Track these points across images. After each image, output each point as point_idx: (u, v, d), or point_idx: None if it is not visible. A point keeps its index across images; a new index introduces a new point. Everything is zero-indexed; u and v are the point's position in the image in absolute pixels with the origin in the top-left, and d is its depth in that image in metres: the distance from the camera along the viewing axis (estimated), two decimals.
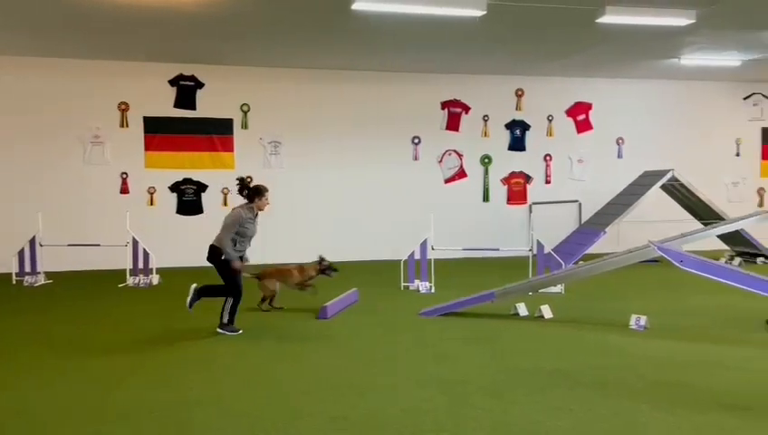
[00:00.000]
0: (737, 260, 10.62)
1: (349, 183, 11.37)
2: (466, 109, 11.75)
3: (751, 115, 12.76)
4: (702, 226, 9.88)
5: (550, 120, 12.05)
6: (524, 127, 11.97)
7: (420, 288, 8.25)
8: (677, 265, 3.38)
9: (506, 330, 6.23)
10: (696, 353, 5.37)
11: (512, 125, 11.94)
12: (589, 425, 3.81)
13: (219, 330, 5.99)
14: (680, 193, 10.86)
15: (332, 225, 11.28)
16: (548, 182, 12.11)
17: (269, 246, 11.53)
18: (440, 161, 11.74)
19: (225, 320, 6.00)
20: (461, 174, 11.77)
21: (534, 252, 8.45)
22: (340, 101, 11.30)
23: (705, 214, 10.75)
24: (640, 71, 11.39)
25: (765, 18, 7.80)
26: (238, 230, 5.92)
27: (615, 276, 8.43)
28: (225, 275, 5.95)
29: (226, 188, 10.86)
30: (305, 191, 11.21)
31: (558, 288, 7.98)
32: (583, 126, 12.19)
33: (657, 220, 10.54)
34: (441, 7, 7.07)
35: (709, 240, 10.80)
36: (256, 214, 6.09)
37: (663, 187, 10.59)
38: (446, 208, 11.41)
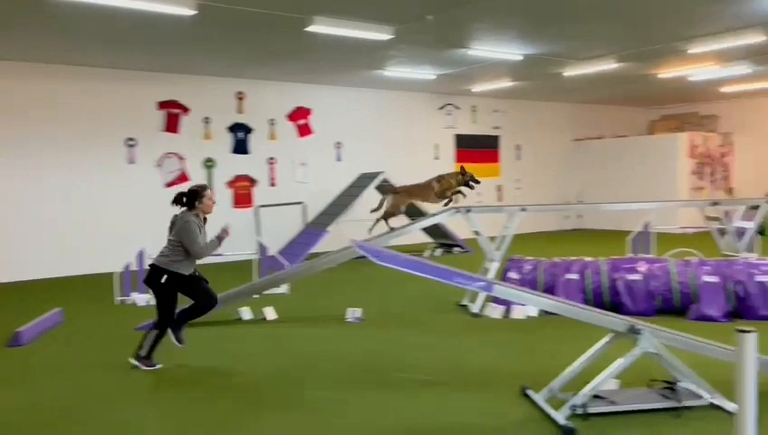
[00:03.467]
0: (439, 251, 12.04)
1: (50, 190, 10.12)
2: (186, 110, 11.32)
3: (446, 123, 14.58)
4: (410, 222, 10.94)
5: (272, 124, 12.25)
6: (247, 130, 11.98)
7: (138, 301, 7.70)
8: (375, 260, 3.66)
9: (229, 335, 6.16)
10: (404, 338, 5.94)
11: (234, 128, 11.85)
12: (302, 418, 3.94)
13: (134, 361, 5.05)
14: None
15: (31, 237, 9.94)
16: (273, 185, 12.30)
17: None
18: (159, 165, 11.12)
19: (146, 351, 5.04)
20: (183, 178, 11.29)
21: (259, 255, 8.50)
22: (37, 98, 9.98)
23: (412, 211, 11.93)
24: (353, 79, 12.20)
25: (452, 38, 8.94)
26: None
27: (336, 273, 8.89)
28: (188, 291, 5.09)
29: None
30: None
31: (283, 289, 8.14)
32: (304, 130, 12.65)
33: (375, 218, 11.38)
34: (145, 2, 6.66)
35: (419, 235, 12.09)
36: (204, 220, 5.23)
37: (377, 187, 11.48)
38: (168, 214, 10.86)
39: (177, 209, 5.26)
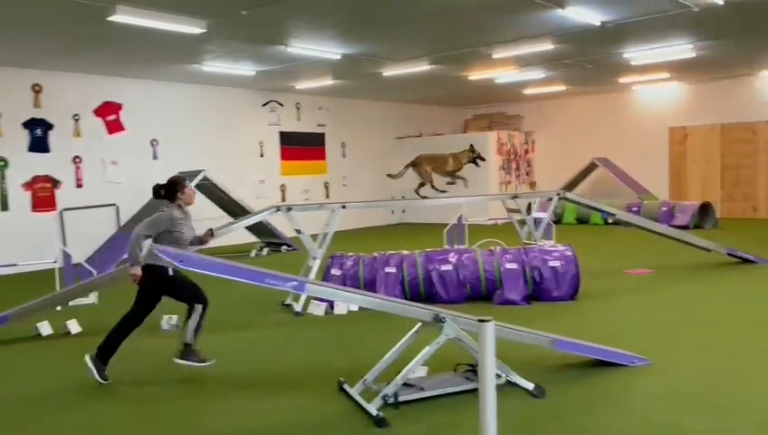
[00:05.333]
0: (266, 250, 11.87)
1: None
2: None
3: (270, 120, 14.39)
4: (231, 221, 10.65)
5: (76, 120, 11.22)
6: (47, 126, 10.85)
7: None
8: (179, 265, 3.48)
9: (21, 354, 5.55)
10: (223, 343, 5.76)
11: (31, 124, 10.67)
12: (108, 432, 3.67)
13: (180, 360, 4.70)
14: (213, 192, 11.50)
15: None
16: (79, 186, 11.28)
17: None
18: None
19: (190, 340, 4.73)
20: None
21: (62, 264, 7.75)
22: None
23: (236, 210, 11.64)
24: (168, 73, 11.58)
25: (269, 35, 8.82)
26: (173, 237, 4.70)
27: None
28: (175, 291, 4.80)
29: None
30: None
31: (92, 298, 7.52)
32: (114, 127, 11.75)
33: (198, 218, 10.89)
34: None
35: (245, 234, 11.83)
36: (186, 212, 4.90)
37: (197, 186, 11.02)
38: None
39: None
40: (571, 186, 15.95)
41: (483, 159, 8.48)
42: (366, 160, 16.55)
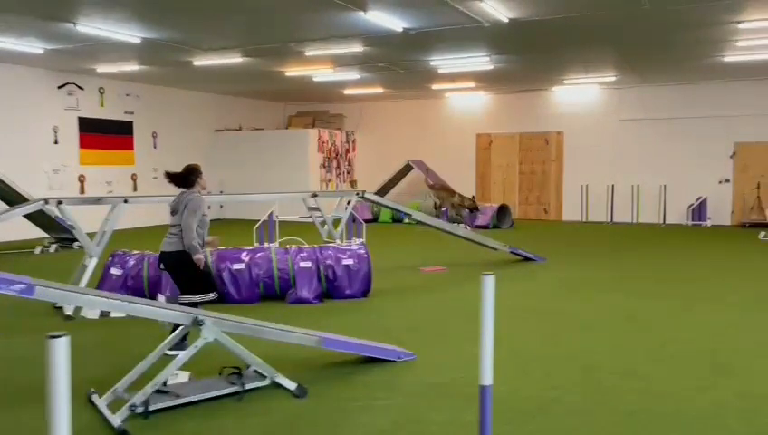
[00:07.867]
0: (54, 247, 10.79)
1: None
2: None
3: (67, 104, 13.10)
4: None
5: None
6: None
7: None
8: None
9: None
10: None
11: None
12: None
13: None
14: None
15: None
16: None
17: None
18: None
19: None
20: None
21: None
22: None
23: (19, 202, 10.45)
24: None
25: (51, 9, 7.96)
26: (202, 220, 5.02)
27: None
28: (193, 275, 4.99)
29: None
30: None
31: None
32: None
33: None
34: None
35: (30, 229, 10.68)
36: None
37: None
38: None
39: None
40: (388, 185, 16.49)
41: (477, 210, 12.12)
42: (181, 152, 15.67)
